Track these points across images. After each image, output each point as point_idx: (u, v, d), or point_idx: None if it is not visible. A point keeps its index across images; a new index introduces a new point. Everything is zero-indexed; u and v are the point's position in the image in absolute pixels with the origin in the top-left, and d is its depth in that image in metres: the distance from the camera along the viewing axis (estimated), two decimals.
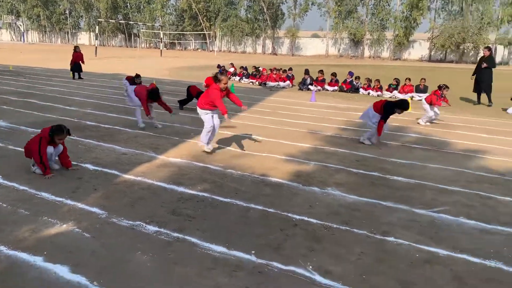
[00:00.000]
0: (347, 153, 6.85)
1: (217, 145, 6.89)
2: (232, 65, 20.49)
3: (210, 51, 64.94)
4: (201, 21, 68.83)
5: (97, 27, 43.62)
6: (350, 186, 5.24)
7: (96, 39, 41.11)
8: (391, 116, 7.34)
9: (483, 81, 13.41)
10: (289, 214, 4.28)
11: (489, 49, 14.14)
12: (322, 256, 3.46)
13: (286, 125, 9.04)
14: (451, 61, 53.03)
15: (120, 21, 72.26)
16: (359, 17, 59.02)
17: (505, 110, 12.07)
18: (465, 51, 52.99)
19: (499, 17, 50.64)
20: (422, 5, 52.43)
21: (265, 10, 62.99)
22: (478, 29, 49.72)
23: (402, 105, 7.24)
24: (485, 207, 4.71)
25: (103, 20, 69.63)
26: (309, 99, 13.28)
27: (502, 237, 3.98)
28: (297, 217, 4.23)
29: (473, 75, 13.80)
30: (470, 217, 4.40)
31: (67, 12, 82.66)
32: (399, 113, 7.33)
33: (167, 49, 70.99)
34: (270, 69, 17.56)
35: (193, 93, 10.43)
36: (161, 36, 45.74)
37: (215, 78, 5.99)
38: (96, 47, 35.15)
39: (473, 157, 6.90)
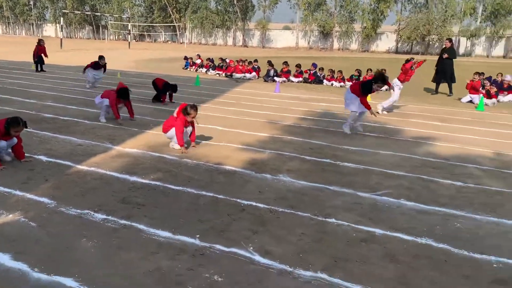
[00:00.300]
0: (302, 142, 7.03)
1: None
2: (199, 56, 20.44)
3: (181, 43, 64.25)
4: (171, 12, 67.94)
5: (61, 18, 42.35)
6: (301, 173, 5.41)
7: (61, 31, 39.96)
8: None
9: (444, 71, 13.86)
10: (238, 200, 4.40)
11: (450, 40, 14.61)
12: (264, 238, 3.60)
13: (247, 116, 9.15)
14: (417, 53, 54.20)
15: (87, 13, 70.53)
16: (328, 9, 59.53)
17: (459, 99, 12.54)
18: (430, 42, 54.33)
19: (462, 9, 52.07)
20: None
21: (235, 2, 62.69)
22: (442, 21, 51.01)
23: (379, 78, 7.14)
24: (425, 190, 4.97)
25: (69, 11, 67.79)
26: (273, 90, 13.43)
27: (438, 217, 4.22)
28: (246, 202, 4.36)
29: (436, 66, 14.23)
30: (410, 199, 4.64)
31: (31, 3, 79.97)
32: (379, 88, 7.28)
33: (137, 41, 69.79)
34: (237, 61, 17.61)
35: (159, 85, 10.34)
36: (129, 28, 44.82)
37: (184, 111, 5.97)
38: (61, 39, 34.25)
39: (422, 144, 7.21)
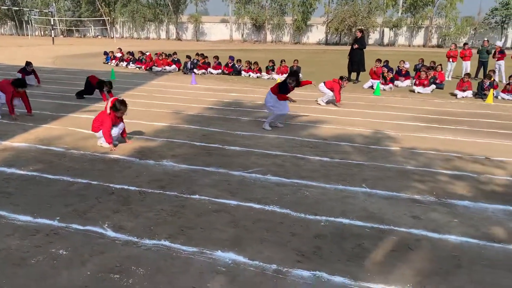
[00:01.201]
0: (198, 129, 7.37)
1: (84, 131, 7.01)
2: (120, 50, 20.16)
3: (111, 38, 62.30)
4: (99, 6, 65.65)
5: None
6: (185, 157, 5.74)
7: None
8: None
9: (355, 60, 14.71)
10: (111, 185, 4.65)
11: (361, 31, 15.49)
12: (123, 216, 3.89)
13: (154, 107, 9.34)
14: (345, 43, 56.45)
15: (5, 7, 66.39)
16: (260, 2, 60.32)
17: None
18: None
19: (385, 1, 54.82)
20: None
21: None
22: (367, 13, 53.42)
23: (290, 74, 7.56)
24: (294, 166, 5.47)
25: None
26: (190, 82, 13.65)
27: (293, 187, 4.71)
28: (118, 186, 4.61)
29: (349, 55, 15.04)
30: (275, 174, 5.11)
31: None
32: (293, 82, 7.41)
33: (64, 36, 66.87)
34: (156, 54, 17.60)
35: (93, 82, 9.94)
36: (52, 23, 42.87)
37: (114, 107, 5.92)
38: None
39: (310, 127, 7.79)
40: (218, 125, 7.77)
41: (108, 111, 5.93)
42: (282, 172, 5.23)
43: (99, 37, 67.78)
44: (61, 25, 68.81)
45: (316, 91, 10.81)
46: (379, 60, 13.34)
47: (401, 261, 3.22)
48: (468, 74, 11.90)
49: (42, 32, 70.79)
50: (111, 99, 6.16)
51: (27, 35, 61.84)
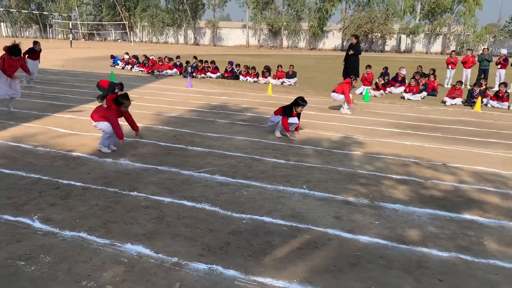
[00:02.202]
0: (171, 130, 7.57)
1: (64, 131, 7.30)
2: (127, 54, 20.64)
3: (131, 41, 63.51)
4: (120, 11, 67.06)
5: None
6: (144, 156, 5.94)
7: None
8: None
9: (350, 66, 14.70)
10: (60, 180, 4.87)
11: (356, 37, 15.45)
12: (57, 209, 4.09)
13: (138, 108, 9.59)
14: (362, 50, 56.19)
15: (33, 11, 68.54)
16: (276, 8, 60.62)
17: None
18: (374, 40, 56.41)
19: (402, 8, 54.37)
20: None
21: (184, 0, 62.65)
22: (384, 19, 53.07)
23: (297, 102, 7.27)
24: (246, 167, 5.60)
25: (15, 10, 65.73)
26: (186, 85, 13.92)
27: (234, 187, 4.84)
28: (65, 182, 4.83)
29: (344, 61, 15.03)
30: (224, 175, 5.25)
31: None
32: (300, 110, 7.33)
33: (86, 40, 68.53)
34: (158, 58, 17.97)
35: (104, 86, 10.12)
36: (70, 26, 44.05)
37: (117, 101, 5.91)
38: None
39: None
40: (192, 126, 7.96)
41: (105, 105, 6.08)
42: (231, 172, 5.37)
43: (119, 41, 69.15)
44: (82, 29, 70.51)
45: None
46: (369, 67, 13.34)
47: (301, 258, 3.33)
48: (460, 82, 11.78)
49: (64, 36, 72.65)
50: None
51: (52, 38, 63.65)
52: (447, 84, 15.70)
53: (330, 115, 9.60)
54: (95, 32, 70.50)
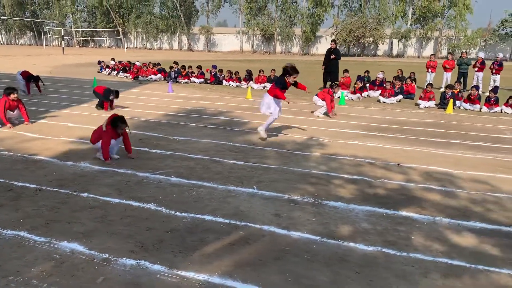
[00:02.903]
0: (139, 134, 7.70)
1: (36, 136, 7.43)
2: (114, 59, 20.81)
3: (126, 48, 63.77)
4: (114, 17, 67.30)
5: None
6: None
7: None
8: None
9: (332, 71, 14.89)
10: (15, 182, 4.99)
11: (334, 42, 15.73)
12: (4, 210, 4.20)
13: (104, 113, 9.68)
14: (354, 54, 56.58)
15: (27, 19, 68.74)
16: (269, 13, 60.95)
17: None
18: (366, 44, 56.76)
19: (393, 13, 54.79)
20: (325, 1, 55.39)
21: (178, 6, 62.94)
22: (376, 24, 53.44)
23: (288, 71, 6.87)
24: (203, 169, 5.73)
25: (7, 18, 65.92)
26: (167, 90, 14.07)
27: (185, 187, 4.97)
28: (20, 184, 4.96)
29: (323, 65, 15.23)
30: (178, 176, 5.38)
31: None
32: (293, 79, 6.98)
33: (80, 47, 68.70)
34: (142, 64, 18.15)
35: (100, 92, 10.15)
36: (62, 33, 44.25)
37: (113, 124, 5.88)
38: None
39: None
40: (161, 130, 8.09)
41: (104, 128, 5.87)
42: (186, 174, 5.50)
43: (114, 47, 69.32)
44: (77, 36, 70.71)
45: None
46: (346, 71, 13.55)
47: (229, 253, 3.45)
48: (430, 84, 11.96)
49: (58, 43, 72.83)
50: (109, 116, 6.05)
51: (47, 45, 63.86)
52: None
53: (302, 118, 9.75)
54: (89, 38, 70.68)
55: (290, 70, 6.91)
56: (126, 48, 62.18)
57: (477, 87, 11.61)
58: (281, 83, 7.03)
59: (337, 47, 15.48)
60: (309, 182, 5.30)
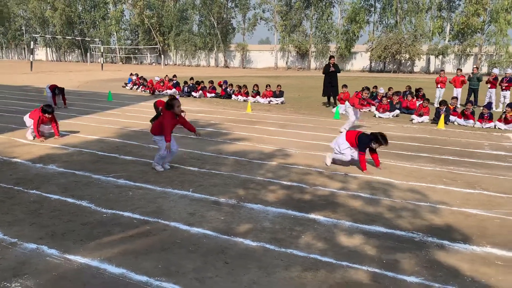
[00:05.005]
0: (119, 142, 8.27)
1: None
2: (136, 74, 21.92)
3: (165, 65, 66.23)
4: (155, 35, 70.16)
5: (32, 43, 44.50)
6: (73, 163, 6.62)
7: (32, 54, 41.89)
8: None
9: (335, 85, 15.12)
10: None
11: (333, 57, 15.89)
12: None
13: (109, 124, 10.42)
14: (390, 71, 55.85)
15: (76, 38, 72.96)
16: (304, 30, 61.53)
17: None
18: (402, 61, 55.97)
19: (430, 29, 53.84)
20: (360, 18, 55.34)
21: (215, 25, 64.78)
22: (412, 40, 52.67)
23: (377, 138, 6.38)
24: (154, 174, 6.15)
25: (59, 36, 70.22)
26: None
27: (125, 188, 5.41)
28: None
29: (325, 81, 15.31)
30: (127, 179, 5.83)
31: (23, 28, 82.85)
32: (376, 147, 6.52)
33: (123, 63, 71.96)
34: (159, 78, 19.07)
35: (161, 106, 10.80)
36: (102, 50, 46.72)
37: (167, 106, 6.06)
38: (31, 62, 36.05)
39: (224, 143, 8.40)
40: (142, 139, 8.62)
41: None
42: (136, 177, 5.94)
43: (154, 64, 72.09)
44: (120, 53, 74.17)
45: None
46: (345, 86, 13.70)
47: (123, 244, 3.83)
48: (427, 100, 11.89)
49: (104, 59, 76.62)
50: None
51: (92, 62, 67.56)
52: (437, 103, 15.66)
53: (285, 131, 10.01)
54: (131, 56, 73.92)
55: (381, 138, 6.37)
56: (165, 64, 64.59)
57: (472, 102, 11.44)
58: (365, 146, 6.49)
59: (337, 62, 15.63)
60: (246, 187, 5.59)
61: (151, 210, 4.68)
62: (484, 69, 53.17)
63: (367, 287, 3.16)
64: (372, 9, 57.79)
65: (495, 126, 10.73)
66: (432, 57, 55.29)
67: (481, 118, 10.95)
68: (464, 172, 6.64)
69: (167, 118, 6.03)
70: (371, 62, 58.89)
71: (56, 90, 13.32)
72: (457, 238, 4.08)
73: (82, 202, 4.88)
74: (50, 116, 8.26)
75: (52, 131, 8.51)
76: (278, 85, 16.08)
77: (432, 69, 56.42)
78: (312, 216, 4.59)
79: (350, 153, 6.62)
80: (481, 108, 11.18)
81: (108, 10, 74.65)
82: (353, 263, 3.53)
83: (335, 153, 6.79)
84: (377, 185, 5.80)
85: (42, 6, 76.06)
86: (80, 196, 5.09)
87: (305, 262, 3.54)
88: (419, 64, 57.13)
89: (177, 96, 17.17)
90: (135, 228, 4.18)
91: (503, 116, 10.68)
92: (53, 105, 12.88)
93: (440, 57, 54.56)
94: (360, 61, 60.92)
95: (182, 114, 6.38)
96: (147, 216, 4.50)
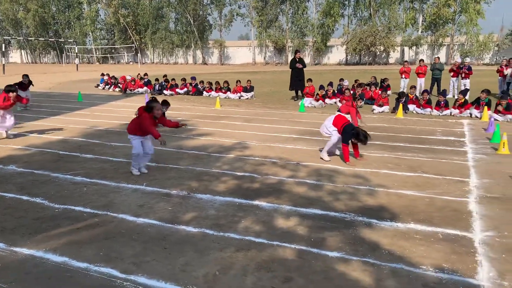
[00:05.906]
0: (82, 141, 8.41)
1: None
2: (107, 74, 21.90)
3: (142, 63, 65.73)
4: (131, 34, 69.57)
5: (3, 45, 43.72)
6: (34, 163, 6.75)
7: (4, 56, 41.22)
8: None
9: (301, 79, 15.43)
10: None
11: (299, 51, 16.22)
12: None
13: (76, 124, 10.51)
14: (365, 63, 56.61)
15: (51, 39, 71.87)
16: (280, 25, 61.85)
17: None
18: (377, 53, 56.78)
19: (404, 21, 54.73)
20: (334, 12, 55.91)
21: (191, 22, 64.58)
22: (386, 32, 53.49)
23: (359, 137, 6.45)
24: (112, 170, 6.34)
25: (33, 38, 69.10)
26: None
27: (83, 186, 5.59)
28: None
29: (292, 75, 15.60)
30: (85, 176, 6.01)
31: None
32: (355, 142, 6.69)
33: (100, 63, 71.15)
34: (131, 77, 19.12)
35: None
36: (76, 51, 46.24)
37: (147, 108, 5.93)
38: (3, 65, 35.49)
39: (188, 139, 8.62)
40: (106, 138, 8.78)
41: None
42: (93, 174, 6.12)
43: (131, 63, 71.51)
44: (97, 53, 73.34)
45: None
46: (310, 80, 14.04)
47: (70, 235, 4.03)
48: (385, 91, 12.30)
49: (80, 60, 75.63)
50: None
51: (68, 63, 66.67)
52: None
53: (249, 125, 10.27)
54: (108, 55, 73.16)
55: (362, 137, 6.43)
56: (143, 63, 64.15)
57: (427, 91, 11.90)
58: (348, 139, 6.65)
59: (303, 57, 15.95)
60: (199, 179, 5.83)
61: (102, 204, 4.89)
62: (456, 59, 54.31)
63: (290, 262, 3.44)
64: (346, 2, 58.37)
65: (450, 113, 11.19)
66: (406, 48, 56.24)
67: (438, 105, 11.40)
68: (409, 157, 7.00)
69: (146, 119, 5.84)
70: (347, 55, 59.62)
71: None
72: (385, 216, 4.40)
73: (36, 199, 5.05)
74: (14, 94, 8.46)
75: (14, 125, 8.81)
76: (248, 80, 16.32)
77: (406, 59, 57.39)
78: (256, 202, 4.86)
79: (337, 134, 6.82)
80: (425, 95, 11.62)
81: (83, 10, 73.71)
82: (283, 242, 3.81)
83: (325, 133, 7.03)
84: (324, 172, 6.11)
85: (15, 7, 74.63)
86: (35, 193, 5.25)
87: (240, 243, 3.80)
88: (394, 55, 58.05)
89: (143, 91, 17.41)
90: (84, 221, 4.38)
91: (456, 103, 11.15)
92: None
93: (414, 48, 55.54)
94: (336, 55, 61.58)
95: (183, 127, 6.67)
96: (97, 209, 4.70)
